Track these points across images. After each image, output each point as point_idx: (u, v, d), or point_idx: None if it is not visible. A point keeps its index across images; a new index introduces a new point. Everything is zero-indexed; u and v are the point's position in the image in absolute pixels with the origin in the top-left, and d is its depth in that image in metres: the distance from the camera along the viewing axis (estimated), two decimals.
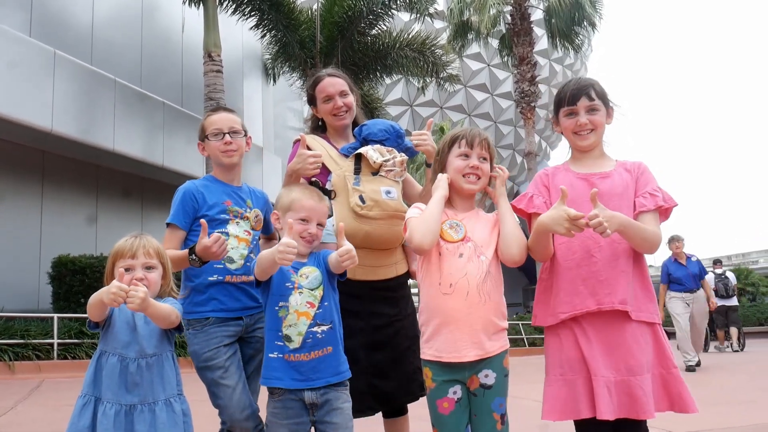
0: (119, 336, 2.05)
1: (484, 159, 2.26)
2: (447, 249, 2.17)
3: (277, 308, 2.18)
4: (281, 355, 2.15)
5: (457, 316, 2.10)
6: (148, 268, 2.10)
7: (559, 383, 2.13)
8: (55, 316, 8.80)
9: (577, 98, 2.23)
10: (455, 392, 2.12)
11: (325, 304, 2.21)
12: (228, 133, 2.58)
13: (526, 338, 15.50)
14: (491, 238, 2.21)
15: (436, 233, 2.15)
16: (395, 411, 2.70)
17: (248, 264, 2.53)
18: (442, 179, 2.24)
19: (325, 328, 2.18)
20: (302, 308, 2.17)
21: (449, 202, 2.28)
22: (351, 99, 2.81)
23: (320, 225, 2.28)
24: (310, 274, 2.23)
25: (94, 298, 1.97)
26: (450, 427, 2.12)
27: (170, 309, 2.07)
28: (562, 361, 2.14)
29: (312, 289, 2.21)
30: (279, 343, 2.16)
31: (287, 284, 2.19)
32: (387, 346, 2.58)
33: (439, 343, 2.12)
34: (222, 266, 2.48)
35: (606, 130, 2.31)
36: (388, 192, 2.60)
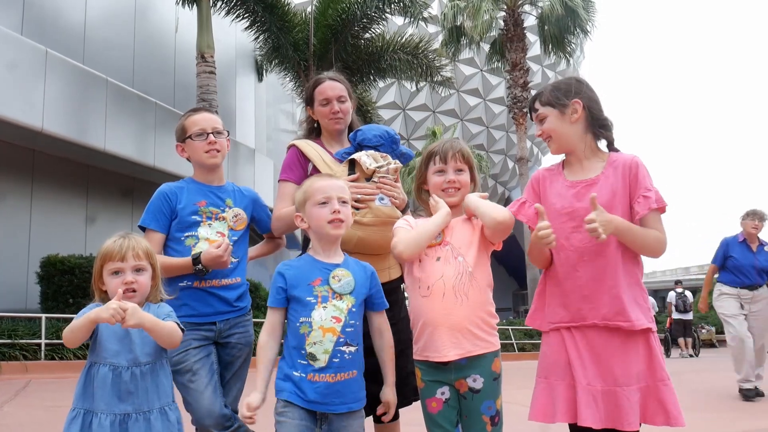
0: (107, 345, 2.01)
1: (460, 171, 2.30)
2: (425, 254, 2.21)
3: (298, 324, 2.06)
4: (304, 375, 2.03)
5: (436, 317, 2.14)
6: (138, 270, 2.06)
7: (542, 386, 2.17)
8: (43, 316, 8.76)
9: (532, 113, 2.29)
10: (443, 393, 2.17)
11: (355, 322, 2.10)
12: (212, 132, 2.55)
13: (516, 344, 15.53)
14: (472, 238, 2.22)
15: (421, 247, 2.18)
16: None
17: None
18: (441, 202, 2.25)
19: (353, 349, 2.07)
20: (327, 323, 2.04)
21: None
22: (348, 105, 2.83)
23: (343, 202, 2.15)
24: (344, 277, 2.11)
25: (77, 324, 1.92)
26: (439, 426, 2.17)
27: (174, 328, 2.03)
28: (550, 365, 2.18)
29: (341, 296, 2.09)
30: (302, 362, 2.04)
31: (309, 298, 2.07)
32: None
33: (423, 344, 2.19)
34: None
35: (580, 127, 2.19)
36: (382, 198, 2.60)
